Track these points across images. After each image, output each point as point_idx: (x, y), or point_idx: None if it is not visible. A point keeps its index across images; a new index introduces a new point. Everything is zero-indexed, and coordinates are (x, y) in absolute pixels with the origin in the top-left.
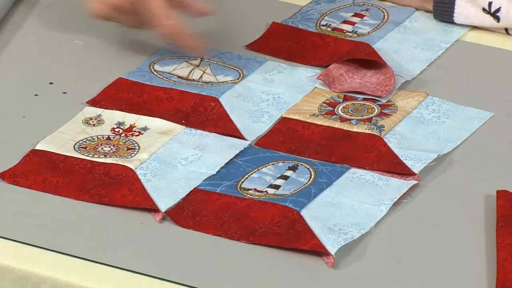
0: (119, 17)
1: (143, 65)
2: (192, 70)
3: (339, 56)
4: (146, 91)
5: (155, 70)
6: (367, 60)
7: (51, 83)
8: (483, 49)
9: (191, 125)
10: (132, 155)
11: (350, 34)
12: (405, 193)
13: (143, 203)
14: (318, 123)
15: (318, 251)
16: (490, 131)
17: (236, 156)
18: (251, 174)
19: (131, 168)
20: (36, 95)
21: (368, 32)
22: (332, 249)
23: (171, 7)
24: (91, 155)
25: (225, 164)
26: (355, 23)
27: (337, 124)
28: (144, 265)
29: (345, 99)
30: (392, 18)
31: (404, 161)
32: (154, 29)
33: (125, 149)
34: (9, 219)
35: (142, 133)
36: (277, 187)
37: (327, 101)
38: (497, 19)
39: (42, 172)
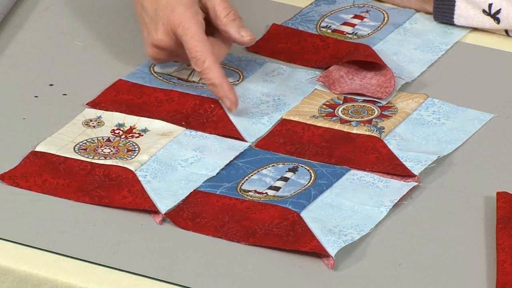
0: (174, 58)
1: (143, 66)
2: (192, 72)
3: (339, 57)
4: (146, 92)
5: (155, 72)
6: (367, 61)
7: (51, 85)
8: (483, 50)
9: (191, 126)
10: (132, 156)
11: (350, 35)
12: (405, 194)
13: (143, 204)
14: (318, 124)
15: (318, 252)
16: (490, 133)
17: (236, 157)
18: (251, 175)
19: (131, 170)
20: (36, 96)
21: (368, 33)
22: (332, 250)
23: (206, 40)
24: (91, 157)
25: (225, 165)
26: (355, 24)
27: (337, 126)
28: (144, 267)
29: (345, 100)
30: (392, 20)
31: (404, 162)
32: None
33: (125, 151)
34: (9, 220)
35: (142, 135)
36: (277, 188)
37: (327, 103)
38: (497, 20)
39: (42, 173)
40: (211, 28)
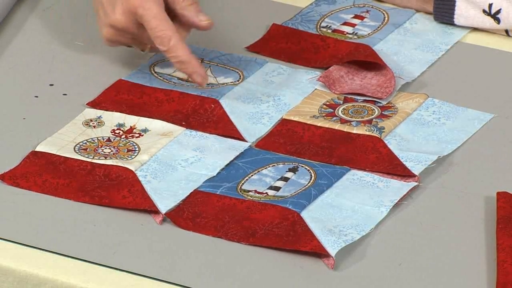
0: (130, 41)
1: (144, 66)
2: None
3: (339, 57)
4: (146, 92)
5: (155, 72)
6: (368, 61)
7: (51, 85)
8: (483, 50)
9: (191, 126)
10: (132, 156)
11: (350, 35)
12: (405, 194)
13: (143, 204)
14: (318, 124)
15: (318, 252)
16: (490, 133)
17: (236, 157)
18: (251, 175)
19: (131, 170)
20: (37, 96)
21: (369, 33)
22: (332, 250)
23: (168, 19)
24: (91, 157)
25: (225, 165)
26: (356, 24)
27: (337, 126)
28: (144, 267)
29: (345, 100)
30: (392, 20)
31: (404, 162)
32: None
33: (125, 151)
34: (9, 220)
35: (142, 135)
36: (277, 188)
37: (327, 103)
38: (498, 20)
39: (42, 173)
40: (169, 15)
